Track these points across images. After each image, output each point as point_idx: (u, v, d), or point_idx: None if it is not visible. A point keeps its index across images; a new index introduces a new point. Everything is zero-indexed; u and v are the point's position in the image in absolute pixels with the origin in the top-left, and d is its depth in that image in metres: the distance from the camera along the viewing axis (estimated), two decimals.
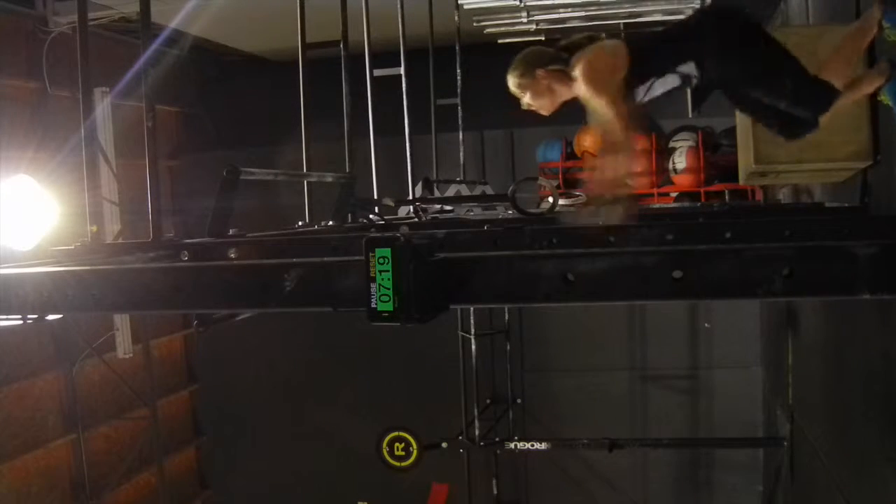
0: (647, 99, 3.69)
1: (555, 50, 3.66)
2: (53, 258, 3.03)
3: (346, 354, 9.64)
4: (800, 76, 3.54)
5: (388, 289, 1.74)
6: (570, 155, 9.25)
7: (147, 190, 3.29)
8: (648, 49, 3.65)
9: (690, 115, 9.31)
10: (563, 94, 3.62)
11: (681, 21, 3.96)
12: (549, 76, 3.58)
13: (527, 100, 3.69)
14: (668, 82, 3.65)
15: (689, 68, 3.58)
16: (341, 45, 5.43)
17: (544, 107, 3.69)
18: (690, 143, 8.82)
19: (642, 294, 1.79)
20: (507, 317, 9.48)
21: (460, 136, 8.23)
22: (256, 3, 8.11)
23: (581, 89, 3.49)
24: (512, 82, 3.68)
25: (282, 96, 5.92)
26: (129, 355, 8.41)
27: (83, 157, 3.40)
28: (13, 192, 7.27)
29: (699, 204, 8.30)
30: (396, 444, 8.08)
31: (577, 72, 3.47)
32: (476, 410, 8.79)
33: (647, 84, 3.61)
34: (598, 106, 3.43)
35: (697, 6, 8.04)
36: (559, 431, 9.47)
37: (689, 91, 3.87)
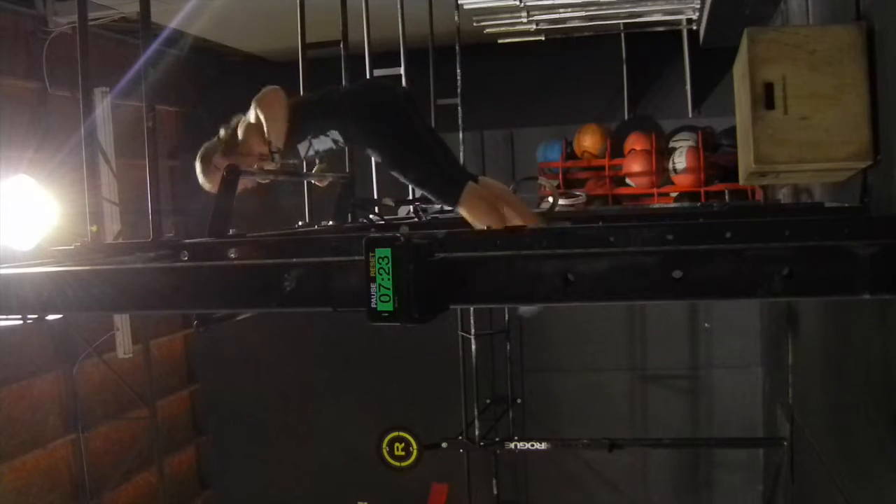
0: (311, 153, 4.11)
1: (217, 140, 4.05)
2: (53, 258, 3.03)
3: (346, 354, 9.65)
4: (427, 171, 3.90)
5: (388, 289, 1.74)
6: (570, 155, 9.25)
7: (147, 190, 3.29)
8: (306, 111, 4.04)
9: (690, 116, 9.35)
10: (254, 152, 3.91)
11: (334, 92, 4.26)
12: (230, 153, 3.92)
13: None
14: (324, 142, 4.04)
15: (336, 135, 4.01)
16: (341, 45, 5.44)
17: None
18: (690, 143, 8.82)
19: (642, 294, 1.79)
20: (507, 317, 9.48)
21: (460, 136, 8.23)
22: (256, 3, 8.11)
23: (253, 117, 3.91)
24: (204, 182, 3.96)
25: None
26: (129, 355, 8.41)
27: (83, 157, 3.39)
28: (13, 192, 7.27)
29: (699, 204, 8.30)
30: (396, 444, 8.07)
31: (256, 106, 3.92)
32: (476, 410, 8.79)
33: (307, 142, 4.02)
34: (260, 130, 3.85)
35: (697, 6, 8.05)
36: (559, 431, 9.47)
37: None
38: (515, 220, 3.91)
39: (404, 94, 4.20)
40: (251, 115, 3.94)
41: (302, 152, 4.03)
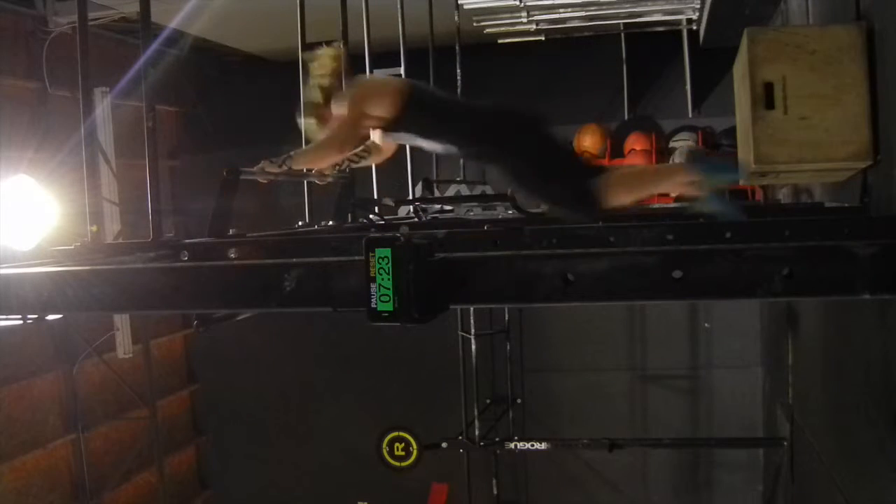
0: (407, 143, 3.93)
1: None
2: (53, 258, 3.03)
3: (346, 354, 9.64)
4: (569, 186, 3.64)
5: (388, 289, 1.74)
6: None
7: (147, 190, 3.29)
8: (430, 108, 3.77)
9: (690, 116, 9.35)
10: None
11: (470, 103, 4.06)
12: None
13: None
14: (431, 146, 3.82)
15: (453, 150, 3.76)
16: (341, 45, 5.43)
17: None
18: (690, 142, 8.82)
19: (642, 294, 1.79)
20: (507, 317, 9.48)
21: None
22: (256, 3, 8.11)
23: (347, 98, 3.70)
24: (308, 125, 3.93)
25: (282, 96, 5.90)
26: (129, 355, 8.41)
27: (83, 157, 3.39)
28: (13, 192, 7.27)
29: None
30: (396, 444, 8.07)
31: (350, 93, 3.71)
32: (476, 410, 8.79)
33: (411, 135, 3.75)
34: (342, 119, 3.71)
35: (697, 6, 8.05)
36: (559, 431, 9.47)
37: None
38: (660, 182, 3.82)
39: (539, 119, 3.88)
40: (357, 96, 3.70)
41: (402, 139, 3.83)
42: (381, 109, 3.66)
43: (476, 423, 8.74)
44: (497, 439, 8.76)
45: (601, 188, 3.60)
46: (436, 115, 3.74)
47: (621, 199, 3.66)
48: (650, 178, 3.85)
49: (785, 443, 7.29)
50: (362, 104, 3.67)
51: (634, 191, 3.73)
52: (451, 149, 3.79)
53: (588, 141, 9.07)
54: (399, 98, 3.64)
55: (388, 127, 3.71)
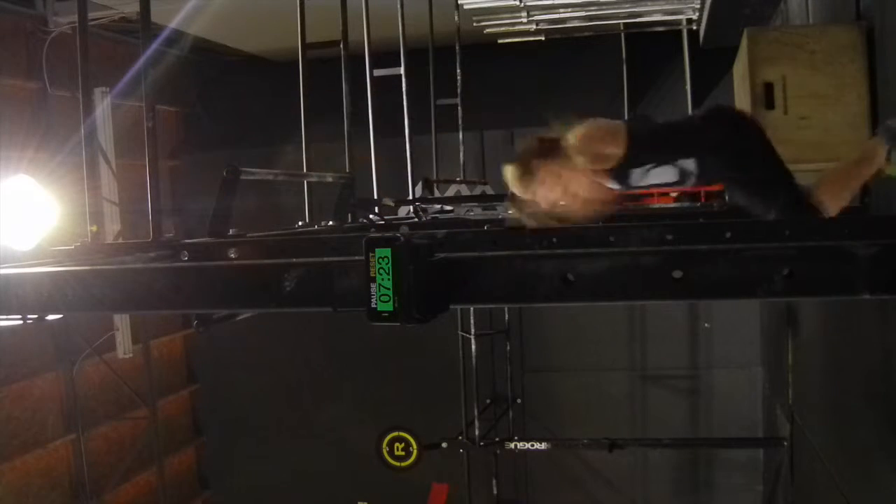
0: (641, 184, 3.63)
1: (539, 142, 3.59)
2: (53, 258, 3.03)
3: (347, 354, 9.64)
4: (791, 193, 3.51)
5: (388, 289, 1.74)
6: None
7: (147, 190, 3.29)
8: (651, 135, 3.57)
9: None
10: (567, 174, 3.47)
11: (690, 115, 3.87)
12: (547, 161, 3.47)
13: (539, 194, 3.51)
14: (665, 174, 3.57)
15: (689, 164, 3.52)
16: (341, 45, 5.43)
17: (557, 195, 3.51)
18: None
19: (642, 294, 1.79)
20: (507, 317, 9.48)
21: (460, 136, 8.23)
22: (256, 3, 8.11)
23: (573, 153, 3.42)
24: (514, 181, 3.50)
25: (282, 96, 5.92)
26: (129, 355, 8.41)
27: (83, 157, 3.40)
28: (13, 192, 7.27)
29: (699, 204, 8.29)
30: (396, 444, 8.08)
31: (572, 138, 3.43)
32: (476, 410, 8.79)
33: (645, 168, 3.52)
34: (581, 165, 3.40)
35: (697, 6, 8.05)
36: (559, 431, 9.47)
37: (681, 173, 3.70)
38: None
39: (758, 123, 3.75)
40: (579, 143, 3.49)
41: (633, 179, 3.58)
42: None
43: (476, 423, 8.74)
44: (497, 439, 8.77)
45: (814, 193, 3.51)
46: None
47: (843, 196, 3.57)
48: (854, 168, 3.73)
49: (785, 443, 7.29)
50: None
51: (850, 186, 3.62)
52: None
53: None
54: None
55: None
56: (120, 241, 3.71)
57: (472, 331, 8.92)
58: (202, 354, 10.70)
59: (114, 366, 8.60)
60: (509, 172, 3.49)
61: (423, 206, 5.85)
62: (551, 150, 3.49)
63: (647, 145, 3.51)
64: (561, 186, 3.44)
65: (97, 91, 7.18)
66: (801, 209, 3.50)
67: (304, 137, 4.85)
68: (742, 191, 3.63)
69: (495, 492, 9.42)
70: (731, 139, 3.50)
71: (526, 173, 3.45)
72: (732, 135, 3.50)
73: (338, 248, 3.00)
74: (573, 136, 3.47)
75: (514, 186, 3.49)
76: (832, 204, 3.53)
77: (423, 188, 7.01)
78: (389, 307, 1.74)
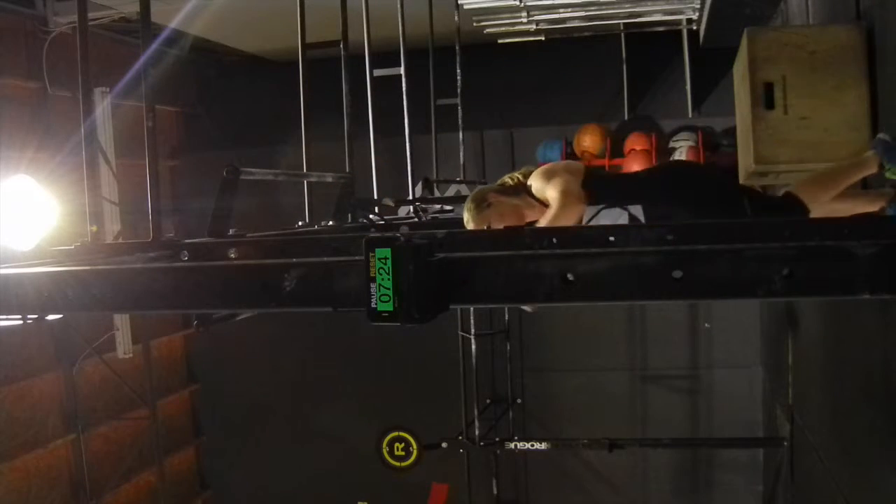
0: (589, 222, 3.82)
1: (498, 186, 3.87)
2: (53, 258, 3.03)
3: (347, 354, 9.64)
4: (756, 204, 3.69)
5: (388, 289, 1.74)
6: (570, 155, 9.25)
7: (147, 190, 3.29)
8: (605, 179, 3.88)
9: (690, 116, 9.35)
10: (525, 207, 3.75)
11: (646, 170, 4.11)
12: (507, 197, 3.76)
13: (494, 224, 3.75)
14: (614, 215, 3.76)
15: (637, 210, 3.72)
16: (341, 45, 5.43)
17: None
18: (690, 142, 8.82)
19: (642, 294, 1.79)
20: (507, 317, 9.48)
21: (460, 136, 8.23)
22: (256, 3, 8.11)
23: (547, 192, 3.67)
24: (471, 219, 3.75)
25: (282, 96, 5.91)
26: (129, 355, 8.41)
27: (83, 157, 3.39)
28: (13, 192, 7.27)
29: None
30: (396, 444, 8.08)
31: (547, 180, 3.68)
32: (476, 410, 8.79)
33: (597, 208, 3.74)
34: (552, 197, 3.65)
35: (697, 6, 8.05)
36: (559, 431, 9.47)
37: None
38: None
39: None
40: (541, 185, 3.74)
41: (585, 217, 3.80)
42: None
43: (476, 423, 8.74)
44: (497, 439, 8.77)
45: (795, 193, 3.69)
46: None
47: (818, 196, 3.71)
48: (842, 172, 3.84)
49: (785, 443, 7.29)
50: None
51: (828, 187, 3.75)
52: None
53: (588, 141, 9.07)
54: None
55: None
56: (120, 241, 3.71)
57: (472, 331, 8.92)
58: (202, 354, 10.70)
59: (114, 366, 8.60)
60: (465, 211, 3.74)
61: (423, 206, 5.85)
62: (508, 189, 3.77)
63: (602, 187, 3.74)
64: (515, 217, 3.68)
65: (97, 91, 7.18)
66: (778, 211, 3.69)
67: (304, 137, 4.85)
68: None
69: (495, 492, 9.43)
70: (684, 192, 3.67)
71: (481, 205, 3.71)
72: (691, 189, 3.69)
73: (338, 248, 2.99)
74: (521, 187, 3.74)
75: (470, 222, 3.72)
76: (809, 203, 3.66)
77: (423, 188, 7.01)
78: (389, 307, 1.74)
